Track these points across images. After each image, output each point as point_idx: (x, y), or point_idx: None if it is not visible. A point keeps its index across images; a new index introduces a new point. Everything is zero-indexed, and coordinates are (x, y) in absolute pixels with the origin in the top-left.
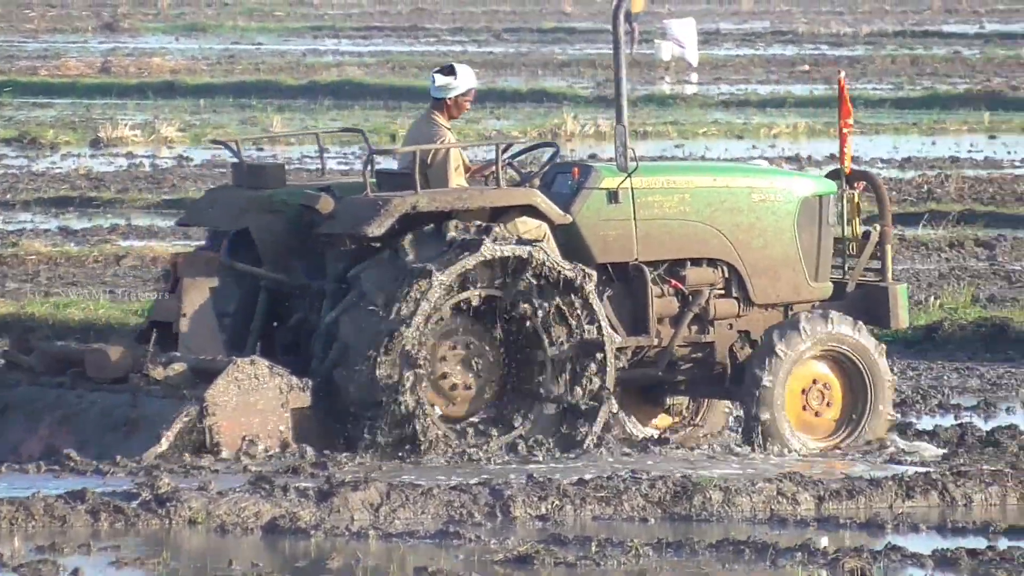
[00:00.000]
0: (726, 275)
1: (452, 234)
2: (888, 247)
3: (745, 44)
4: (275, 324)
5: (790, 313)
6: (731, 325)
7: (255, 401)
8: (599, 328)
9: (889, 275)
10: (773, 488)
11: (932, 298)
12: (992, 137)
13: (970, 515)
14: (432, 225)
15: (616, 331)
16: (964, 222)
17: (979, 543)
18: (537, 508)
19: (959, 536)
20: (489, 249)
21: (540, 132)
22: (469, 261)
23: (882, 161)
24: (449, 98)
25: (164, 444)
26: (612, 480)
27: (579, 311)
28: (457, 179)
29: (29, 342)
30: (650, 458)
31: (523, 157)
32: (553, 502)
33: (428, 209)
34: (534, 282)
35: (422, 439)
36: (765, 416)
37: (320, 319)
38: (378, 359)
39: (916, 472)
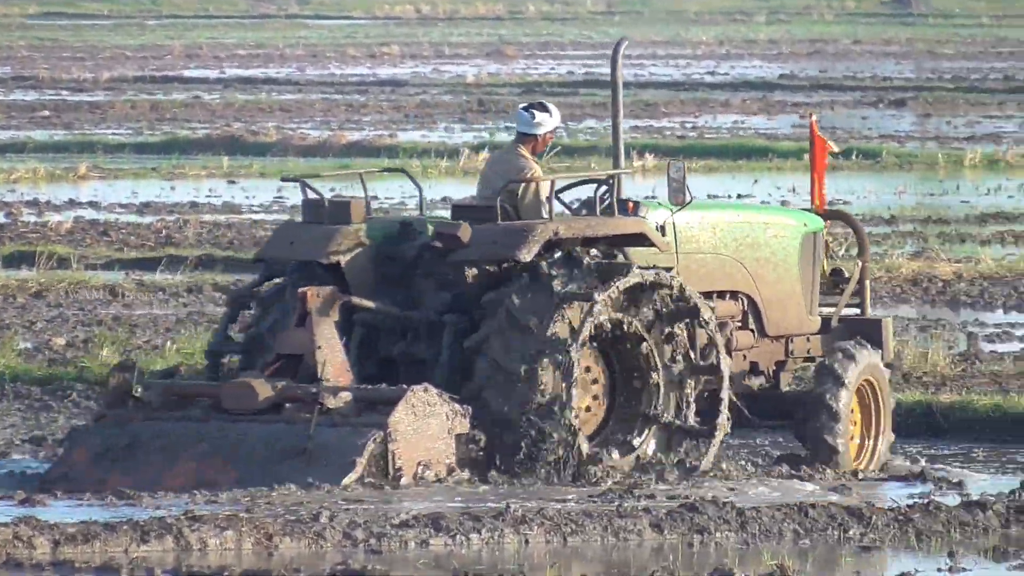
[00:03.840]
0: (744, 307)
1: (587, 260)
2: (867, 282)
3: None
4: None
5: (789, 346)
6: (745, 356)
7: (427, 427)
8: (717, 353)
9: (868, 308)
10: (9, 532)
11: (169, 343)
12: (231, 182)
13: (206, 560)
14: (563, 252)
15: None
16: (202, 267)
17: None
18: None
19: None
20: (638, 274)
21: None
22: (621, 285)
23: (120, 206)
24: (540, 134)
25: (359, 470)
26: None
27: (699, 337)
28: (546, 212)
29: (136, 379)
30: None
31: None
32: None
33: (566, 236)
34: (658, 307)
35: (584, 458)
36: (839, 445)
37: (431, 350)
38: (538, 380)
39: (152, 517)
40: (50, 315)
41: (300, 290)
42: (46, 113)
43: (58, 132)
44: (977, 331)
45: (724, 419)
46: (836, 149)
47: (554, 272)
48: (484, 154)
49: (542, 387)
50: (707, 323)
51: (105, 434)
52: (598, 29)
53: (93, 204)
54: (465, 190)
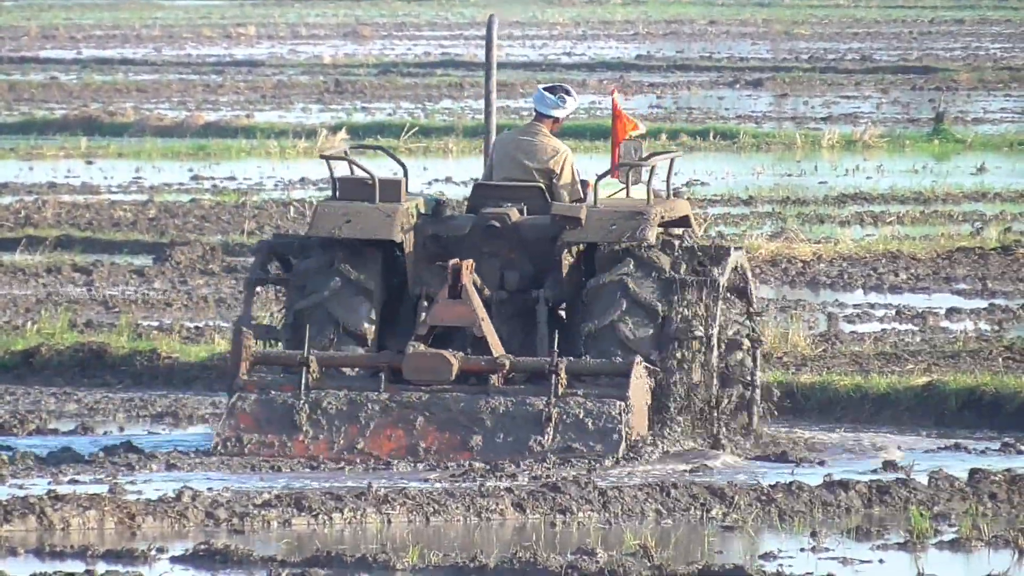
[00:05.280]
0: None
1: (678, 243)
2: None
3: None
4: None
5: None
6: None
7: (640, 399)
8: (751, 318)
9: None
10: None
11: (30, 323)
12: (89, 162)
13: (68, 539)
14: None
15: None
16: (61, 247)
17: (78, 567)
18: None
19: (57, 560)
20: (736, 256)
21: None
22: (732, 263)
23: None
24: (560, 117)
25: (624, 440)
26: None
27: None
28: (579, 192)
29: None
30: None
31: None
32: None
33: (668, 218)
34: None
35: (720, 428)
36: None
37: (506, 326)
38: (681, 363)
39: (14, 496)
40: None
41: (453, 262)
42: None
43: None
44: (837, 312)
45: (759, 381)
46: (642, 130)
47: (663, 256)
48: (342, 134)
49: (679, 370)
50: (749, 293)
51: (270, 401)
52: (453, 10)
53: None
54: (324, 171)
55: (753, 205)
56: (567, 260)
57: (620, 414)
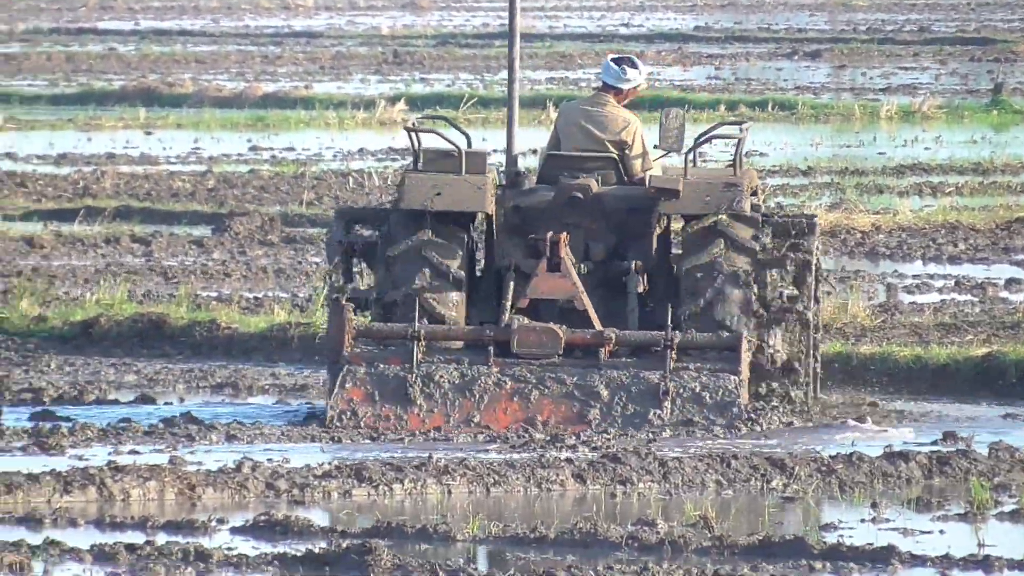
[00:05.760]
0: None
1: (760, 217)
2: None
3: None
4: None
5: None
6: None
7: (743, 371)
8: (813, 272)
9: None
10: None
11: (89, 294)
12: (148, 133)
13: (129, 510)
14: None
15: None
16: (120, 218)
17: (138, 537)
18: None
19: (118, 531)
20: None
21: None
22: (817, 239)
23: (37, 157)
24: (626, 89)
25: (744, 411)
26: None
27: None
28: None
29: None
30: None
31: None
32: None
33: (750, 189)
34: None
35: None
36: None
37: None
38: (772, 340)
39: (74, 467)
40: None
41: (552, 235)
42: None
43: None
44: (896, 282)
45: (819, 340)
46: None
47: (752, 229)
48: (400, 105)
49: (774, 346)
50: (818, 261)
51: (381, 373)
52: None
53: (10, 155)
54: (382, 141)
55: (812, 176)
56: (657, 231)
57: (736, 388)
